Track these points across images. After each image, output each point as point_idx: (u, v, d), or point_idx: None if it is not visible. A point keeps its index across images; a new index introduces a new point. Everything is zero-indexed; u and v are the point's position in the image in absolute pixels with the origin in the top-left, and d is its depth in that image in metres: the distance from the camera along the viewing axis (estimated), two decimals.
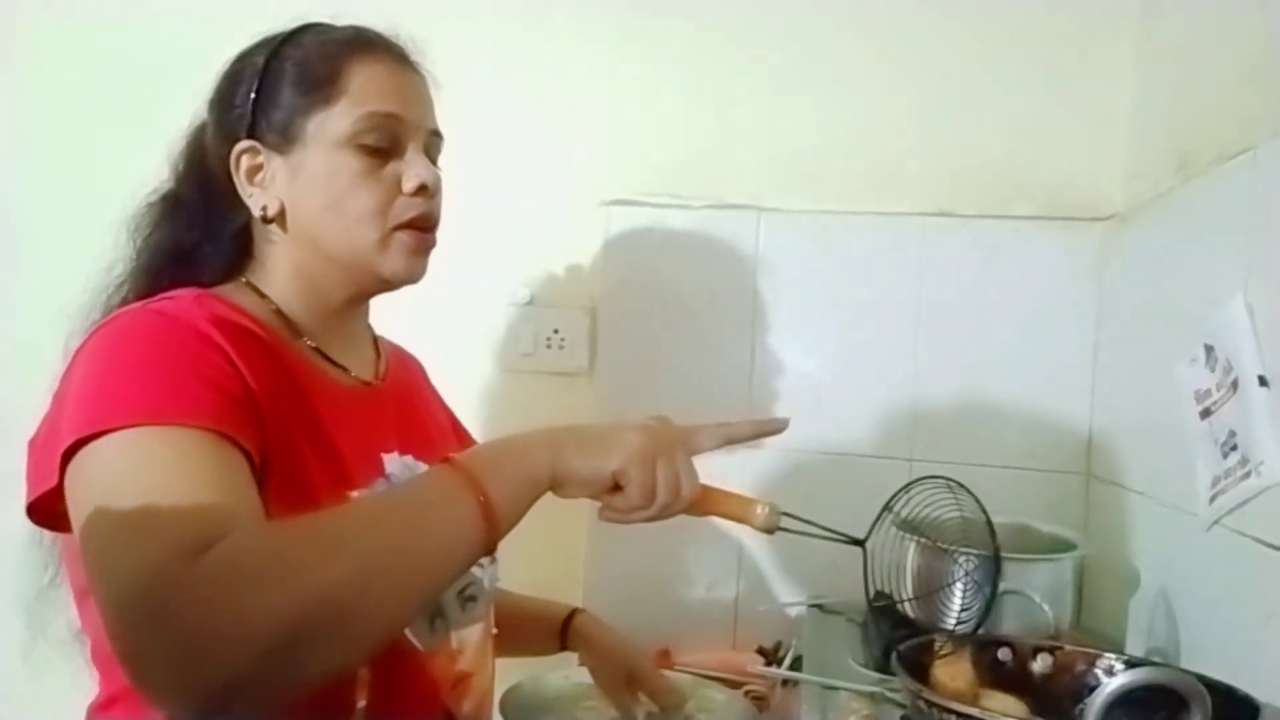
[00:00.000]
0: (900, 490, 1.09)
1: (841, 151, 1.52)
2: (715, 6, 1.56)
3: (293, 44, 0.93)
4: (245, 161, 0.91)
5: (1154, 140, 1.33)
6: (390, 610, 0.68)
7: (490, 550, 0.74)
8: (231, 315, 0.85)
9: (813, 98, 1.53)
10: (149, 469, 0.70)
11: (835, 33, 1.52)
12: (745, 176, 1.55)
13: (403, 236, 0.93)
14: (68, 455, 0.72)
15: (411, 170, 0.92)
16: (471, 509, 0.71)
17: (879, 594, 1.09)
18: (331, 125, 0.90)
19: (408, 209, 0.92)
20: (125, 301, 0.92)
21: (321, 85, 0.90)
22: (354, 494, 0.85)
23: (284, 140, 0.91)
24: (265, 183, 0.92)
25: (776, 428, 0.96)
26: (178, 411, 0.72)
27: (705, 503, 0.87)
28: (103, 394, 0.74)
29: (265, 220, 0.92)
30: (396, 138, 0.92)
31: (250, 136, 0.91)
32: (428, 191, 0.93)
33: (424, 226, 0.94)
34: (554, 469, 0.78)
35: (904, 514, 1.09)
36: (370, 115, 0.90)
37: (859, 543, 0.99)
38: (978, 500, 1.09)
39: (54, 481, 0.73)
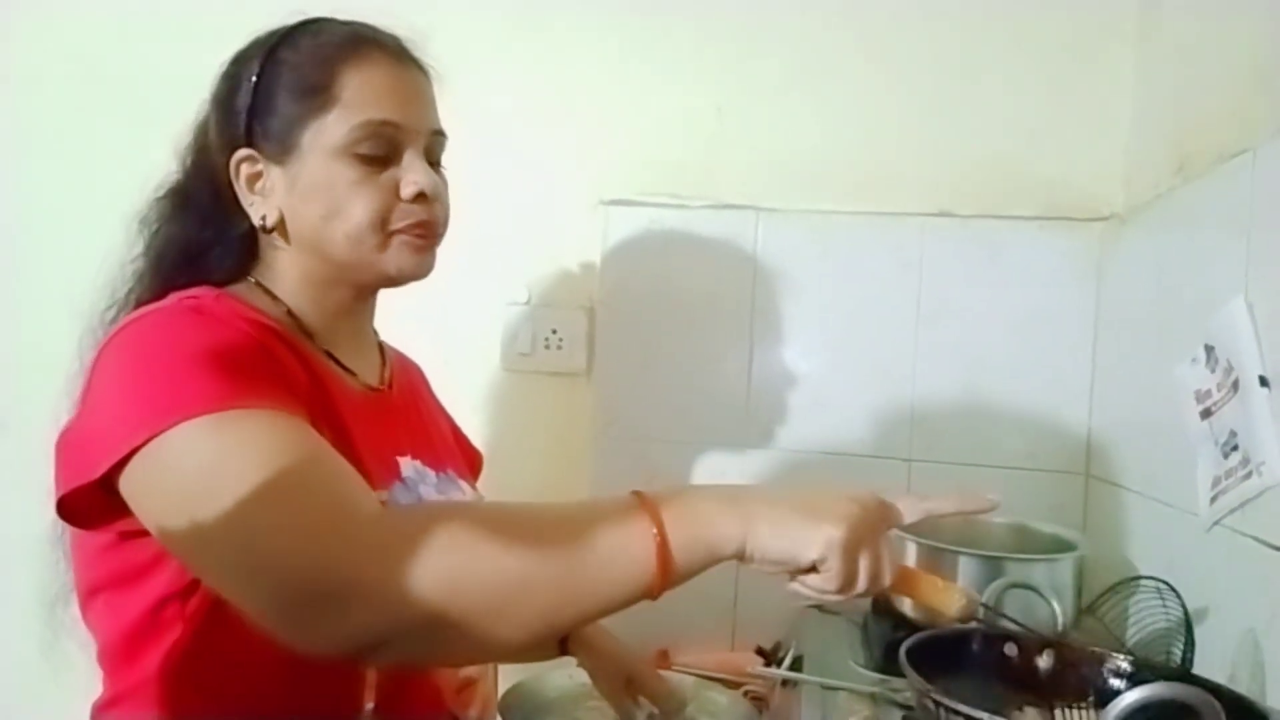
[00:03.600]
0: (1107, 591, 1.04)
1: (840, 151, 1.52)
2: (715, 6, 1.55)
3: (288, 46, 0.90)
4: (245, 170, 0.90)
5: (1154, 141, 1.33)
6: (537, 623, 0.68)
7: (653, 598, 0.70)
8: (252, 315, 0.84)
9: (812, 98, 1.53)
10: (252, 448, 0.68)
11: (835, 33, 1.52)
12: (744, 176, 1.54)
13: (403, 237, 0.91)
14: (132, 451, 0.69)
15: (409, 177, 0.90)
16: (648, 554, 0.69)
17: None
18: (327, 134, 0.87)
19: (406, 215, 0.90)
20: (139, 297, 0.90)
21: (316, 93, 0.87)
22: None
23: (281, 150, 0.88)
24: (265, 191, 0.90)
25: (982, 507, 0.88)
26: (248, 395, 0.71)
27: (901, 585, 0.81)
28: (160, 386, 0.72)
29: (265, 230, 0.91)
30: (394, 144, 0.89)
31: (248, 144, 0.89)
32: (426, 198, 0.91)
33: (424, 232, 0.92)
34: (744, 545, 0.71)
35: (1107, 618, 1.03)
36: (365, 124, 0.87)
37: (1050, 644, 0.96)
38: (1186, 612, 1.00)
39: (93, 476, 0.71)
